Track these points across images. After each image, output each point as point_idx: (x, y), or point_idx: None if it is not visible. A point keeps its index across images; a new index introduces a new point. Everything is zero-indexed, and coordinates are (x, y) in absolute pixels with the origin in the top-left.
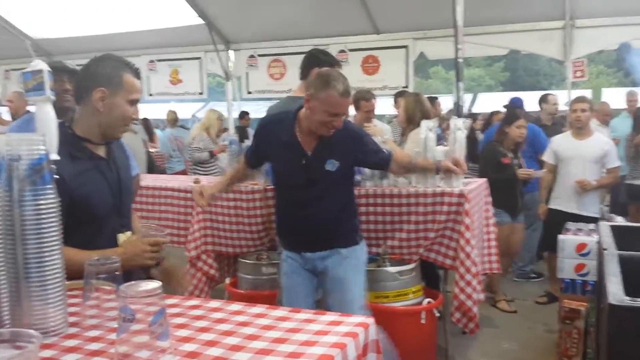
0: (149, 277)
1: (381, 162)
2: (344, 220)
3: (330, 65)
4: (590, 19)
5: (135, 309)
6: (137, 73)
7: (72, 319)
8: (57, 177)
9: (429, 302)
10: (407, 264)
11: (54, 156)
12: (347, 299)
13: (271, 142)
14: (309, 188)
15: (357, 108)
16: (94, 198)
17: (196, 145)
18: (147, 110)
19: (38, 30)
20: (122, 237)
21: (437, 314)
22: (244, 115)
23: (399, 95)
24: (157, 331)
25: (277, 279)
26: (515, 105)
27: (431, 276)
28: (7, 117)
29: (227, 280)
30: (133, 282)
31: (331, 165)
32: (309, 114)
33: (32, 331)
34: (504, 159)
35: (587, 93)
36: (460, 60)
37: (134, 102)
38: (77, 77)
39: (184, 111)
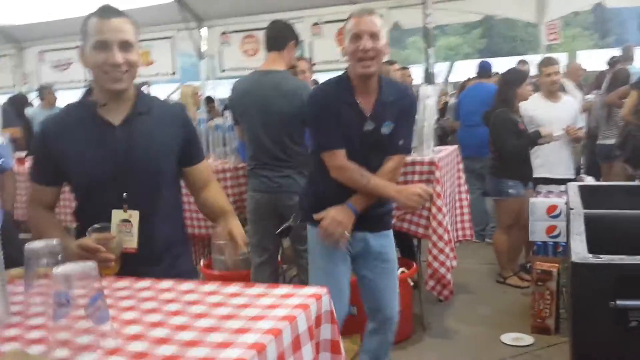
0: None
1: (395, 147)
2: None
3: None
4: None
5: (70, 293)
6: (105, 12)
7: (17, 308)
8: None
9: (402, 272)
10: None
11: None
12: (396, 282)
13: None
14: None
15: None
16: (78, 162)
17: None
18: None
19: (5, 18)
20: (117, 215)
21: (412, 283)
22: (210, 101)
23: None
24: (94, 314)
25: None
26: (485, 70)
27: (407, 246)
28: None
29: (202, 263)
30: (67, 264)
31: (387, 128)
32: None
33: None
34: (519, 124)
35: (563, 56)
36: (430, 26)
37: (100, 45)
38: None
39: (158, 93)
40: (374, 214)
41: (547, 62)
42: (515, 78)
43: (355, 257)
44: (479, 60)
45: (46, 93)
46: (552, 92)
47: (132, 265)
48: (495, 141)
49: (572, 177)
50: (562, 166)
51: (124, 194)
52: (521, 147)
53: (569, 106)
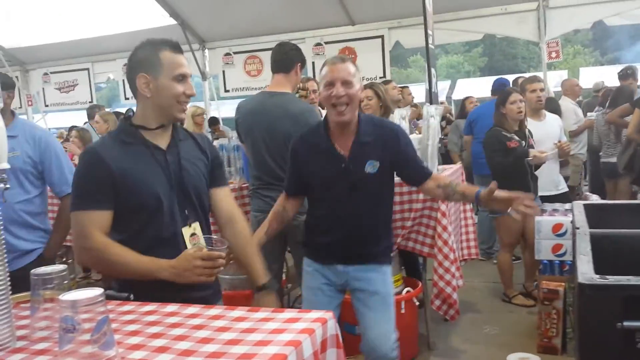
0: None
1: (418, 174)
2: (386, 233)
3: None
4: None
5: (76, 318)
6: (176, 47)
7: (22, 332)
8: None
9: (408, 292)
10: None
11: (4, 165)
12: (389, 316)
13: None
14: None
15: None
16: (140, 183)
17: None
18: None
19: (9, 40)
20: (186, 231)
21: (417, 303)
22: (214, 122)
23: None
24: (100, 340)
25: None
26: (502, 86)
27: (412, 265)
28: None
29: None
30: (73, 290)
31: (371, 167)
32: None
33: None
34: (509, 142)
35: (564, 73)
36: (431, 46)
37: (181, 78)
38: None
39: None
40: (355, 251)
41: (531, 79)
42: (498, 99)
43: (345, 289)
44: (481, 79)
45: (95, 113)
46: (537, 109)
47: (187, 291)
48: (487, 160)
49: (565, 191)
50: (553, 182)
51: (185, 211)
52: (507, 164)
53: (553, 123)
